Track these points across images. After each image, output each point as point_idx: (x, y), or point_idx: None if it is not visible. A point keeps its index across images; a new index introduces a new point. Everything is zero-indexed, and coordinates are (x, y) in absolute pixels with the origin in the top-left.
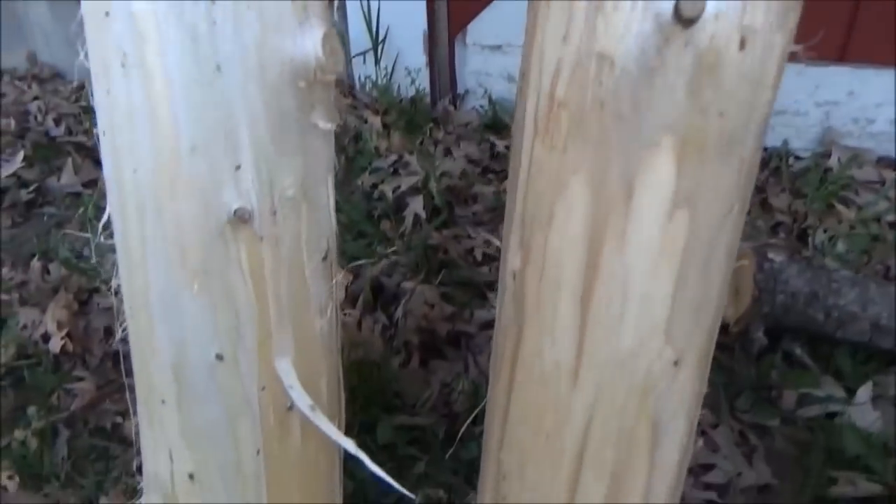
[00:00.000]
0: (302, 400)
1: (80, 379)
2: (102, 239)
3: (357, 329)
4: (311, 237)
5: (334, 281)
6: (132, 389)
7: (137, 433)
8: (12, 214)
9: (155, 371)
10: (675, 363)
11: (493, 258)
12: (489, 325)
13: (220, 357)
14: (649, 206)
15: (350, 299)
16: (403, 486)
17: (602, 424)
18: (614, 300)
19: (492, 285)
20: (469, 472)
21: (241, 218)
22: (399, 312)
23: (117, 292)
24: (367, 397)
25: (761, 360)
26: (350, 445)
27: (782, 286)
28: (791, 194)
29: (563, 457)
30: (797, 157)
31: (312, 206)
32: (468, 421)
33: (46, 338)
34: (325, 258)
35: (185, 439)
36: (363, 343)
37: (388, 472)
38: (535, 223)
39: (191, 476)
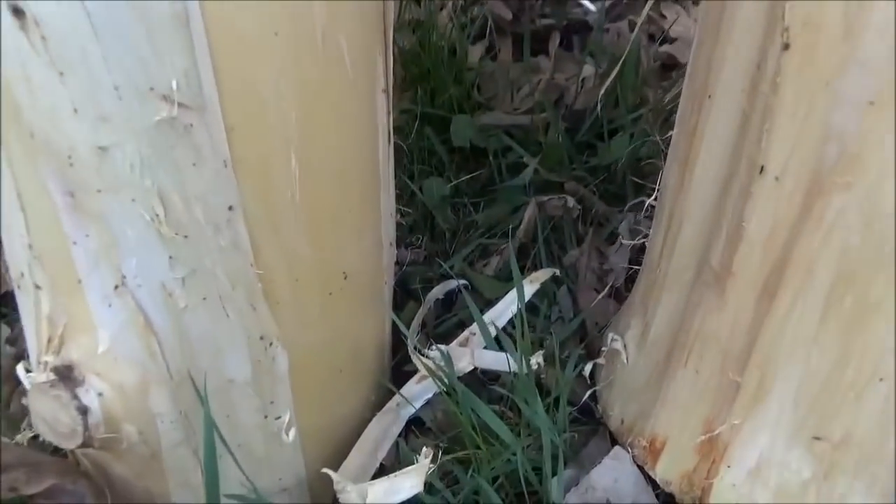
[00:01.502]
0: None
1: None
2: None
3: (415, 1)
4: None
5: None
6: None
7: None
8: None
9: None
10: None
11: None
12: (618, 16)
13: None
14: None
15: None
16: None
17: None
18: None
19: None
20: (607, 183)
21: None
22: None
23: None
24: (433, 90)
25: None
26: None
27: None
28: None
29: None
30: None
31: None
32: (597, 106)
33: None
34: None
35: None
36: (426, 23)
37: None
38: None
39: None
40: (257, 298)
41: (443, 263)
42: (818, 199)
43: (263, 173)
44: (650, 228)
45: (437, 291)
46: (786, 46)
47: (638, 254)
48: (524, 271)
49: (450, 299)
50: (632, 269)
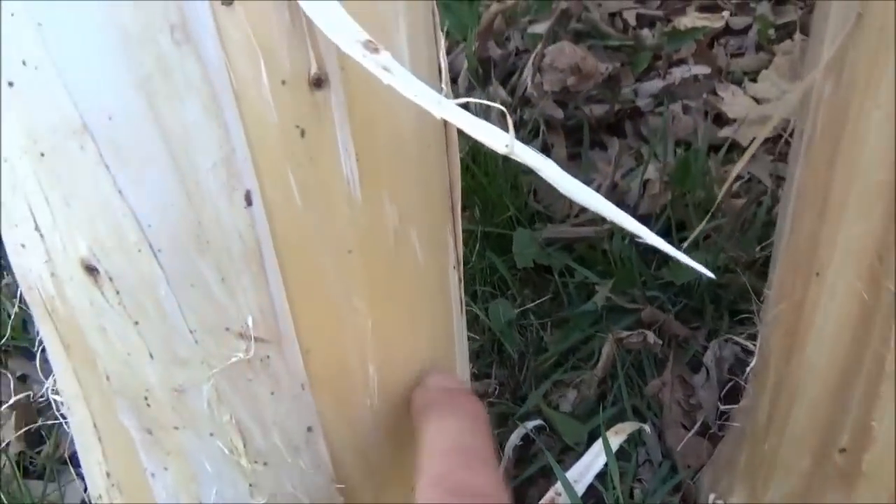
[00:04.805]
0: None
1: None
2: None
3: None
4: None
5: None
6: None
7: None
8: None
9: None
10: None
11: (653, 20)
12: (670, 96)
13: None
14: None
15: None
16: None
17: None
18: None
19: (659, 53)
20: (684, 298)
21: None
22: (527, 77)
23: None
24: (492, 204)
25: None
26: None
27: None
28: None
29: None
30: None
31: None
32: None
33: None
34: None
35: None
36: None
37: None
38: None
39: None
40: None
41: (511, 403)
42: None
43: (342, 389)
44: (738, 357)
45: (515, 439)
46: None
47: (727, 385)
48: (602, 402)
49: (528, 436)
50: (726, 412)
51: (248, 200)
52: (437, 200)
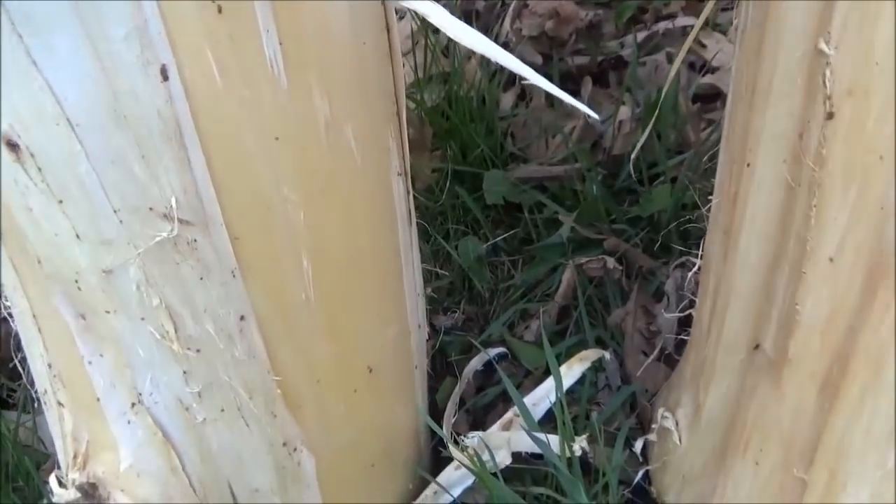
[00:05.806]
0: None
1: None
2: None
3: (442, 54)
4: None
5: None
6: None
7: None
8: None
9: None
10: None
11: None
12: (655, 47)
13: None
14: None
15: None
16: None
17: None
18: None
19: (647, 6)
20: (651, 233)
21: None
22: (507, 24)
23: None
24: (464, 145)
25: None
26: None
27: None
28: None
29: None
30: None
31: None
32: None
33: None
34: None
35: None
36: (453, 75)
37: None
38: None
39: None
40: (277, 405)
41: (478, 336)
42: (882, 282)
43: (274, 279)
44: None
45: (475, 364)
46: (829, 116)
47: (689, 315)
48: (566, 333)
49: (491, 365)
50: (684, 330)
51: (164, 75)
52: (376, 102)
